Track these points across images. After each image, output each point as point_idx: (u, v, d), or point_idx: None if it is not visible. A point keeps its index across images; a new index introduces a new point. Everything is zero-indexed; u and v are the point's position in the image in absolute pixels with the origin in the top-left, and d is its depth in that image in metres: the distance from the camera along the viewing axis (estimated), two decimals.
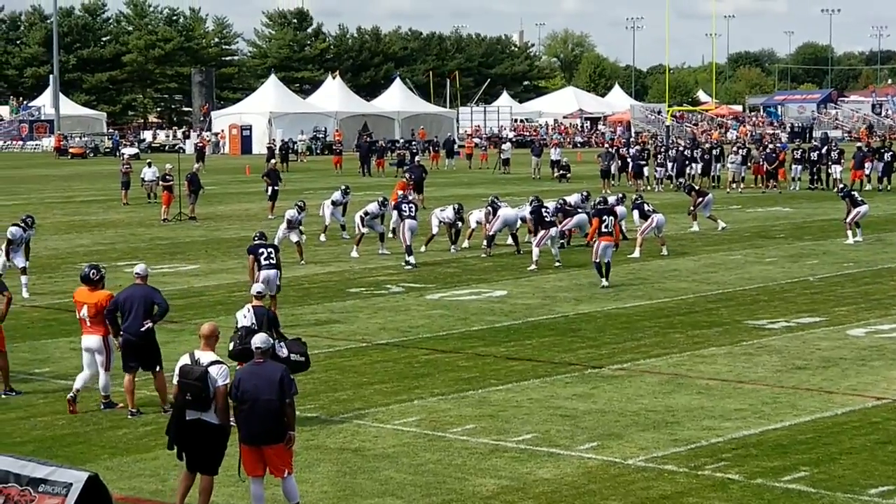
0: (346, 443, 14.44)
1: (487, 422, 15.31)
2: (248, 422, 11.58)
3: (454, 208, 32.14)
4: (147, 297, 15.91)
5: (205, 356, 11.95)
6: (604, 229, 25.85)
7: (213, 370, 11.78)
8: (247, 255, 22.48)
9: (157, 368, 15.92)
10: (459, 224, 32.23)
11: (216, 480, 12.01)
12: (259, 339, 11.88)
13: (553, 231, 29.03)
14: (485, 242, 31.14)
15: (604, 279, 25.61)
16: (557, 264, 28.62)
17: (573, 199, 34.05)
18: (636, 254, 30.01)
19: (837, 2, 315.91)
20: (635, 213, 31.99)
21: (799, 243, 33.25)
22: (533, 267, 28.24)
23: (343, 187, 36.51)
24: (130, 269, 29.14)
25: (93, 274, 16.23)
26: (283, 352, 14.86)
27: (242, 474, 11.91)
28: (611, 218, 26.19)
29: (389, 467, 13.52)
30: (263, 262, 21.70)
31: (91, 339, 16.12)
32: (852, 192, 34.93)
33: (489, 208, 31.45)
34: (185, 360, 11.98)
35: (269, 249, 22.04)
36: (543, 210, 29.17)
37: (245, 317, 15.50)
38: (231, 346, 14.94)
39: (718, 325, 21.55)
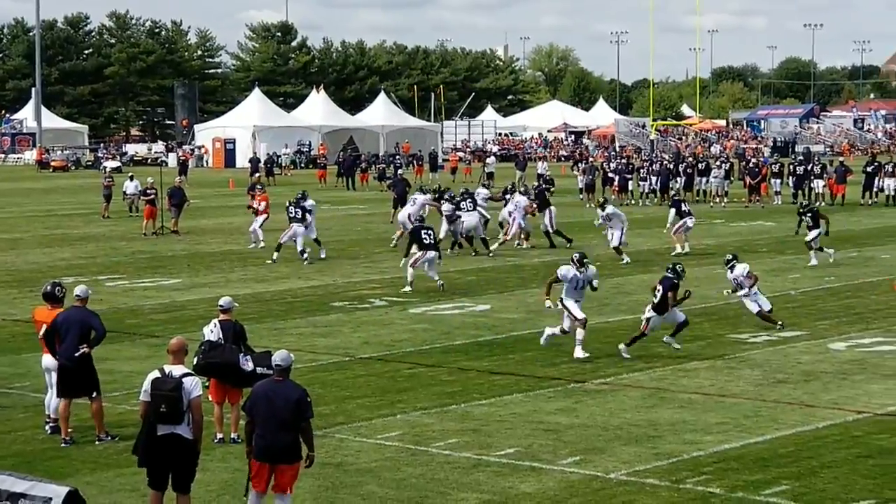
0: (329, 457, 14.40)
1: (470, 436, 15.30)
2: (262, 439, 11.48)
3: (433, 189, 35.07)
4: (84, 322, 15.10)
5: (176, 370, 11.90)
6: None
7: (186, 381, 11.76)
8: (410, 235, 27.08)
9: (94, 394, 15.18)
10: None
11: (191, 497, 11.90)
12: (279, 357, 11.75)
13: (430, 255, 26.89)
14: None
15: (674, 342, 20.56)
16: (440, 287, 26.98)
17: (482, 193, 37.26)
18: (679, 248, 33.13)
19: (820, 17, 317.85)
20: (672, 210, 35.54)
21: (781, 257, 33.34)
22: (408, 288, 26.84)
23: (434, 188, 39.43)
24: (112, 283, 29.59)
25: (58, 291, 15.73)
26: (249, 365, 14.69)
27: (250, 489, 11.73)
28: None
29: (372, 482, 13.50)
30: (426, 242, 26.10)
31: (49, 359, 15.50)
32: None
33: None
34: (155, 374, 11.88)
35: (429, 230, 26.44)
36: (423, 232, 27.22)
37: (211, 331, 15.28)
38: (195, 360, 14.74)
39: (701, 339, 21.57)
